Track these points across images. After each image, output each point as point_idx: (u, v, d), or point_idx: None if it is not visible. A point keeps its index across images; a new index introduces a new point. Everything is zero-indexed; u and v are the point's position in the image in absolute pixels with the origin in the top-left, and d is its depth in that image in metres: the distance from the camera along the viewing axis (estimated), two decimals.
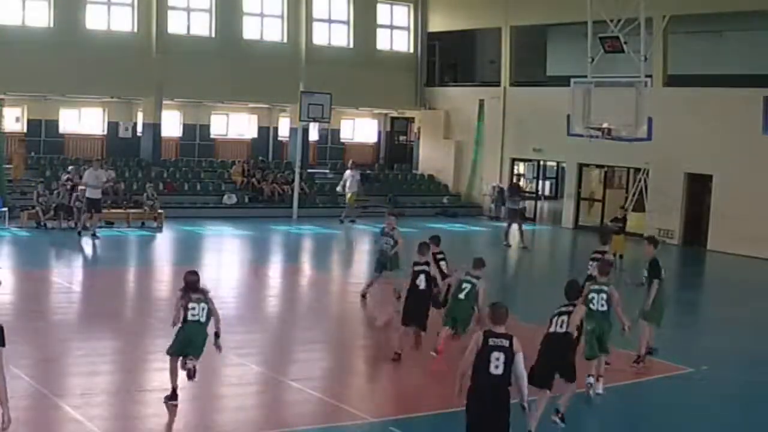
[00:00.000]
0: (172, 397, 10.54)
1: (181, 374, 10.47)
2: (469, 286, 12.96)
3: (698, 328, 17.55)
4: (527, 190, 35.99)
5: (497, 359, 8.39)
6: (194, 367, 10.46)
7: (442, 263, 14.57)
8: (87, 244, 23.31)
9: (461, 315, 12.97)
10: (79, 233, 23.93)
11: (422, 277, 13.11)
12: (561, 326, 10.27)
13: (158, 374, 11.94)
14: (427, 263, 13.40)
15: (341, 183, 31.24)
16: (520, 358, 8.56)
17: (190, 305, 10.45)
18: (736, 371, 13.70)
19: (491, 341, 8.47)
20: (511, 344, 8.50)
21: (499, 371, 8.40)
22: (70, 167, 27.50)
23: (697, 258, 27.42)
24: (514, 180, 32.94)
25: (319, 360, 13.82)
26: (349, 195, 30.75)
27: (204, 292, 10.56)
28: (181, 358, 10.53)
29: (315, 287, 20.55)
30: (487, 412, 8.42)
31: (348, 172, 31.08)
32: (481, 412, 8.45)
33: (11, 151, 28.73)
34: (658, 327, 13.61)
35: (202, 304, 10.47)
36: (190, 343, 10.48)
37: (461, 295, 12.99)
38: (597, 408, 11.88)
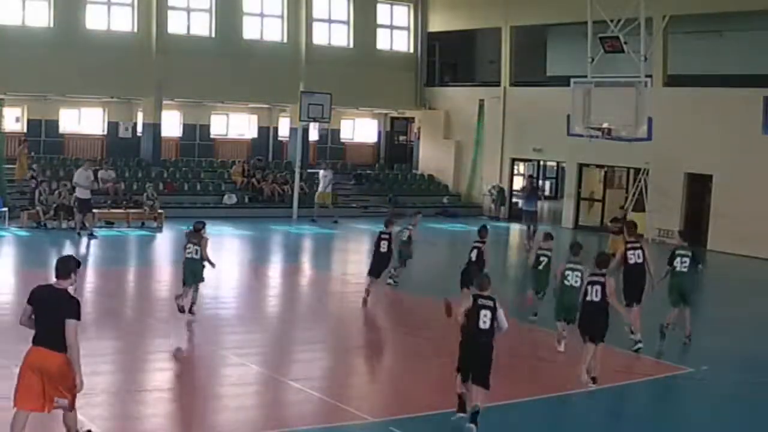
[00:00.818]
0: (180, 310, 14.77)
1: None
2: (546, 258, 15.99)
3: (698, 328, 17.48)
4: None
5: (485, 316, 10.30)
6: (196, 288, 15.11)
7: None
8: (85, 243, 23.30)
9: (541, 281, 16.01)
10: (78, 233, 23.94)
11: (475, 251, 16.08)
12: (596, 295, 12.26)
13: (158, 374, 11.97)
14: (483, 242, 16.25)
15: (321, 184, 30.92)
16: (501, 313, 10.41)
17: (187, 246, 15.03)
18: (736, 371, 13.69)
19: (480, 302, 10.39)
20: (495, 305, 10.40)
21: (487, 326, 10.32)
22: (33, 165, 27.50)
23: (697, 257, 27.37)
24: (531, 182, 32.74)
25: (319, 360, 13.82)
26: (322, 195, 30.49)
27: (200, 237, 15.05)
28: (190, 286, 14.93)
29: (315, 287, 20.54)
30: (476, 358, 10.33)
31: (322, 172, 30.86)
32: (472, 357, 10.37)
33: (17, 153, 28.61)
34: (684, 307, 14.98)
35: (196, 247, 14.96)
36: (191, 274, 14.94)
37: (540, 267, 16.00)
38: (597, 408, 11.89)
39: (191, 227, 15.37)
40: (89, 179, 24.36)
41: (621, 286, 14.31)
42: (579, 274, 13.49)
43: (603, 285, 12.27)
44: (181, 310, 14.77)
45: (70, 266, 8.50)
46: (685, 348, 15.17)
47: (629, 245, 15.05)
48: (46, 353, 8.33)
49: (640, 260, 14.76)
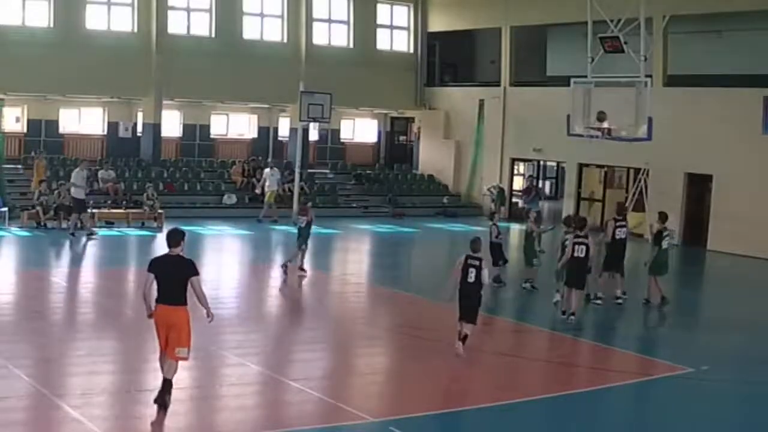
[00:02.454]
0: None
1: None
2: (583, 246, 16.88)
3: (698, 328, 17.55)
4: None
5: (471, 272, 13.22)
6: (305, 248, 19.95)
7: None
8: (82, 243, 23.29)
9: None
10: (73, 234, 23.95)
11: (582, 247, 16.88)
12: (581, 252, 16.04)
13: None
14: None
15: (260, 182, 30.46)
16: (486, 271, 13.38)
17: (299, 220, 20.02)
18: (736, 371, 13.70)
19: (469, 261, 13.26)
20: (480, 264, 13.27)
21: (472, 280, 13.24)
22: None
23: (697, 258, 27.41)
24: (532, 183, 32.64)
25: (319, 360, 13.82)
26: (268, 194, 29.97)
27: (307, 211, 19.94)
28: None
29: (315, 287, 20.54)
30: (466, 303, 13.31)
31: (267, 171, 30.41)
32: (463, 302, 13.32)
33: (35, 165, 28.20)
34: (660, 276, 17.89)
35: (305, 218, 19.79)
36: (304, 240, 19.75)
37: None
38: (597, 408, 11.90)
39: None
40: (84, 179, 24.39)
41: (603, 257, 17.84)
42: (584, 247, 16.27)
43: (587, 245, 16.09)
44: (286, 269, 19.78)
45: (177, 237, 10.51)
46: (685, 348, 15.18)
47: (618, 223, 18.15)
48: (170, 309, 10.27)
49: (624, 236, 18.12)
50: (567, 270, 16.34)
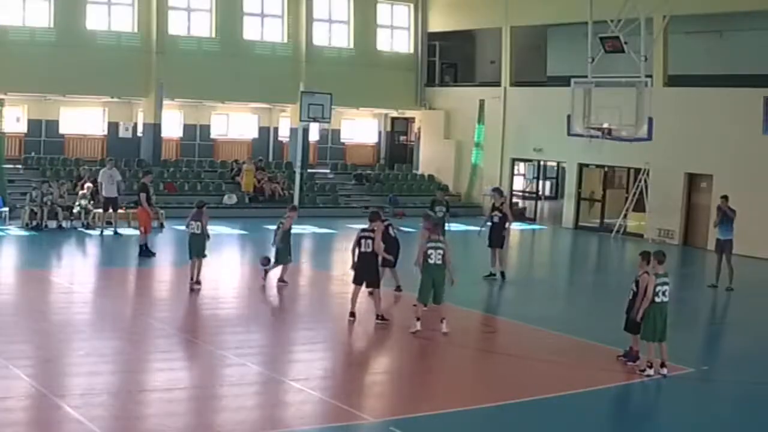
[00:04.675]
0: (192, 284, 17.50)
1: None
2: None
3: (698, 328, 17.54)
4: (527, 190, 36.31)
5: None
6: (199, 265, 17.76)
7: None
8: (96, 242, 23.32)
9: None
10: (101, 233, 24.58)
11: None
12: (368, 247, 15.56)
13: (158, 374, 11.98)
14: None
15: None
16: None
17: (190, 223, 17.89)
18: (736, 371, 13.70)
19: None
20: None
21: None
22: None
23: (696, 258, 27.39)
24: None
25: (319, 360, 13.82)
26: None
27: (201, 214, 17.90)
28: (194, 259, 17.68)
29: (315, 287, 20.54)
30: None
31: None
32: None
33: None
34: None
35: (198, 222, 17.72)
36: (191, 248, 17.80)
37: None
38: (597, 408, 11.90)
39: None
40: (113, 178, 24.93)
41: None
42: (441, 252, 14.77)
43: (373, 239, 15.28)
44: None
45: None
46: (685, 348, 15.19)
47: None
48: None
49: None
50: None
